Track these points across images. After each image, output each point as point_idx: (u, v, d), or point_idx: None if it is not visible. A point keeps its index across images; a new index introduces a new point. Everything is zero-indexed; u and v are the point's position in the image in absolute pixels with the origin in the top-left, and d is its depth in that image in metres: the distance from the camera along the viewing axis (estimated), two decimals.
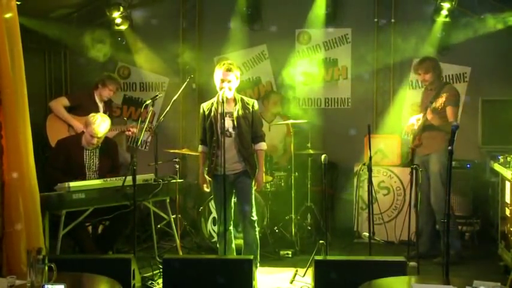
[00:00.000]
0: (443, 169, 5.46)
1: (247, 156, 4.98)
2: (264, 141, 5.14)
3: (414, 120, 5.76)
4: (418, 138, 5.67)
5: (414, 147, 5.72)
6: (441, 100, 5.28)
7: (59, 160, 5.34)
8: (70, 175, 5.16)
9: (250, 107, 5.00)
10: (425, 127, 5.59)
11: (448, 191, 4.03)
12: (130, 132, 6.38)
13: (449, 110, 5.47)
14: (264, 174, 5.22)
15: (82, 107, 6.31)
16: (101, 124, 5.26)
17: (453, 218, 5.64)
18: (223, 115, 4.85)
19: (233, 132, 4.93)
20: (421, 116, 5.70)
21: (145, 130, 5.80)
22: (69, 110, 6.35)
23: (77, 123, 6.16)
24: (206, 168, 5.12)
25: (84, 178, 5.24)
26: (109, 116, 6.04)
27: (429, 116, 5.44)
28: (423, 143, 5.64)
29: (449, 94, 5.37)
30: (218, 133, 4.89)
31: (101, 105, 6.44)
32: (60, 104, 6.32)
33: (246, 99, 5.07)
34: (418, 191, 5.22)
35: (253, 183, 5.07)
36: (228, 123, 4.91)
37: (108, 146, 5.51)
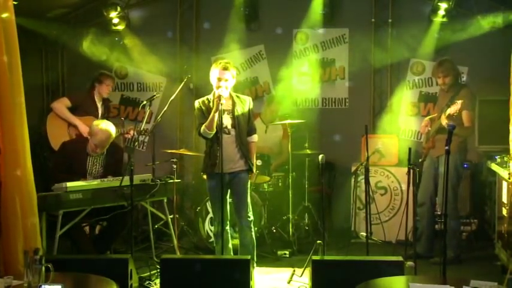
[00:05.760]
0: (454, 172, 5.43)
1: (246, 153, 4.98)
2: (256, 133, 5.14)
3: (428, 121, 5.75)
4: (432, 140, 5.65)
5: (427, 149, 5.71)
6: (456, 107, 5.12)
7: (62, 163, 5.32)
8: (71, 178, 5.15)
9: (247, 104, 5.02)
10: (439, 130, 5.51)
11: (446, 190, 4.04)
12: (129, 135, 6.37)
13: (465, 115, 5.41)
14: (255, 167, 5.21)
15: (82, 107, 6.30)
16: (105, 134, 5.22)
17: (457, 219, 5.65)
18: (220, 113, 4.84)
19: (232, 129, 4.93)
20: (434, 116, 5.69)
21: (141, 133, 5.78)
22: (69, 110, 6.34)
23: (82, 125, 6.12)
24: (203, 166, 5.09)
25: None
26: (107, 116, 6.03)
27: (444, 121, 5.31)
28: (436, 145, 5.61)
29: (465, 100, 5.26)
30: (217, 131, 4.88)
31: (99, 105, 6.42)
32: (63, 104, 6.27)
33: (241, 96, 5.08)
34: (416, 191, 5.22)
35: (249, 181, 5.06)
36: (227, 121, 4.91)
37: (113, 152, 5.45)
